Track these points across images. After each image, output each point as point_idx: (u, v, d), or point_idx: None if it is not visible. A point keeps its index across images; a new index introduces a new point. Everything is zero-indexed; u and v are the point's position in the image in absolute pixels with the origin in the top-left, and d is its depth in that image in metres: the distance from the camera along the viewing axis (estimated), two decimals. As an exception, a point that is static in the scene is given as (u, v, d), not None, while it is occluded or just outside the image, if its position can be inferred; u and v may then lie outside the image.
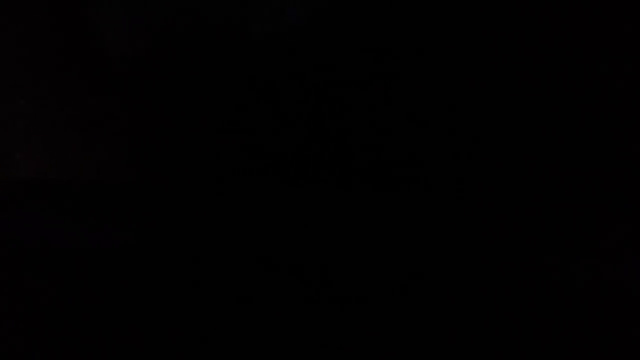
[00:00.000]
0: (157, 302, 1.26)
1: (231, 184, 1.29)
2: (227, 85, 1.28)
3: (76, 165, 1.31)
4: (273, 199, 1.28)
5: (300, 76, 1.26)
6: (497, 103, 1.24)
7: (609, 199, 1.23)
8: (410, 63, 1.25)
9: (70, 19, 1.30)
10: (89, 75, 1.30)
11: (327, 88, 1.26)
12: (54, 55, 1.31)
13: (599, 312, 1.20)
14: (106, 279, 1.27)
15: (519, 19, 1.23)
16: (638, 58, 1.21)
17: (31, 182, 1.32)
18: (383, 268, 1.25)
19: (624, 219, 1.22)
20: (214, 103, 1.29)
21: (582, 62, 1.23)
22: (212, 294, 1.26)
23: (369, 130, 1.26)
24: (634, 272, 1.20)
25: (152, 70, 1.29)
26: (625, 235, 1.21)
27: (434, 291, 1.23)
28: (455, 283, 1.23)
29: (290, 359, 1.22)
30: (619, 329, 1.20)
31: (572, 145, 1.24)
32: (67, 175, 1.31)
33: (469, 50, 1.24)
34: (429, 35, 1.24)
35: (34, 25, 1.30)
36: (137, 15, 1.28)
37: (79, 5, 1.28)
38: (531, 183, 1.24)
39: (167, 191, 1.29)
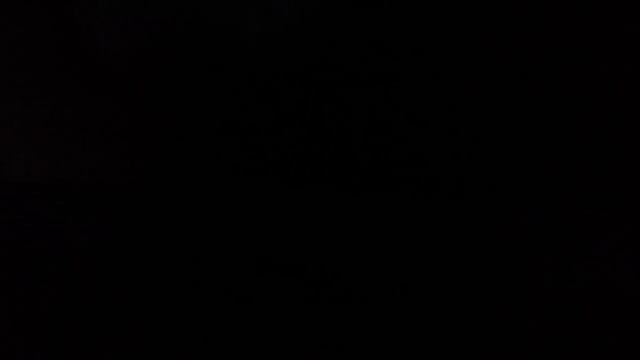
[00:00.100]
0: (156, 304, 1.26)
1: (229, 185, 1.29)
2: (224, 85, 1.28)
3: (70, 166, 1.31)
4: (271, 200, 1.28)
5: (297, 76, 1.26)
6: (495, 103, 1.24)
7: (609, 199, 1.23)
8: (410, 63, 1.24)
9: (65, 19, 1.29)
10: (84, 76, 1.30)
11: (325, 88, 1.26)
12: (48, 55, 1.31)
13: (599, 313, 1.20)
14: (104, 281, 1.27)
15: (518, 20, 1.23)
16: (638, 58, 1.21)
17: (25, 183, 1.31)
18: (383, 269, 1.24)
19: (624, 219, 1.22)
20: (210, 103, 1.29)
21: (582, 63, 1.22)
22: (211, 294, 1.25)
23: (367, 130, 1.26)
24: (634, 272, 1.20)
25: (148, 70, 1.29)
26: (625, 235, 1.21)
27: (433, 291, 1.23)
28: (455, 283, 1.23)
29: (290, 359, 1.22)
30: (618, 329, 1.19)
31: (572, 146, 1.24)
32: (62, 177, 1.31)
33: (468, 50, 1.24)
34: (428, 35, 1.24)
35: (28, 25, 1.30)
36: (133, 15, 1.28)
37: (74, 5, 1.28)
38: (530, 183, 1.24)
39: (164, 192, 1.29)
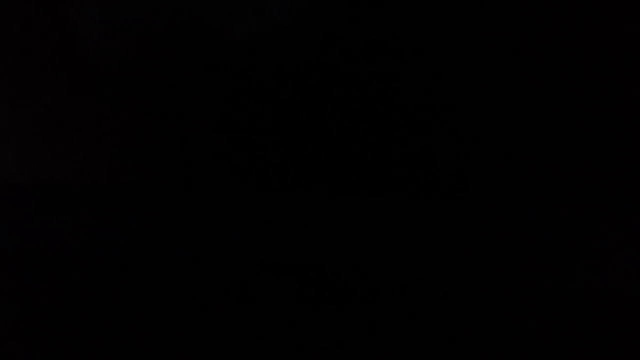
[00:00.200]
0: (153, 306, 1.25)
1: (222, 186, 1.28)
2: (216, 86, 1.28)
3: (61, 167, 1.31)
4: (268, 201, 1.27)
5: (291, 77, 1.26)
6: (494, 103, 1.24)
7: (609, 199, 1.23)
8: (410, 63, 1.24)
9: (55, 19, 1.29)
10: (75, 76, 1.30)
11: (321, 89, 1.26)
12: (40, 56, 1.30)
13: (599, 313, 1.20)
14: (100, 283, 1.26)
15: (517, 20, 1.23)
16: (638, 58, 1.21)
17: (16, 184, 1.31)
18: (383, 270, 1.24)
19: (624, 219, 1.22)
20: (204, 104, 1.28)
21: (582, 63, 1.23)
22: (210, 296, 1.25)
23: (365, 131, 1.26)
24: (634, 272, 1.20)
25: (139, 70, 1.28)
26: (625, 235, 1.21)
27: (433, 292, 1.23)
28: (455, 284, 1.23)
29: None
30: (618, 329, 1.20)
31: (572, 146, 1.24)
32: (54, 178, 1.31)
33: (466, 50, 1.24)
34: (426, 34, 1.24)
35: (18, 25, 1.29)
36: (123, 15, 1.27)
37: (64, 5, 1.28)
38: (530, 183, 1.24)
39: (158, 193, 1.29)
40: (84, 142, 1.30)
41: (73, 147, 1.30)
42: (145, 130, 1.29)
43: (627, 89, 1.22)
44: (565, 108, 1.23)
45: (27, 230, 1.28)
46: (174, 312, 1.25)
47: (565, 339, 1.20)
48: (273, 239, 1.26)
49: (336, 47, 1.25)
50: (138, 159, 1.29)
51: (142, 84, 1.29)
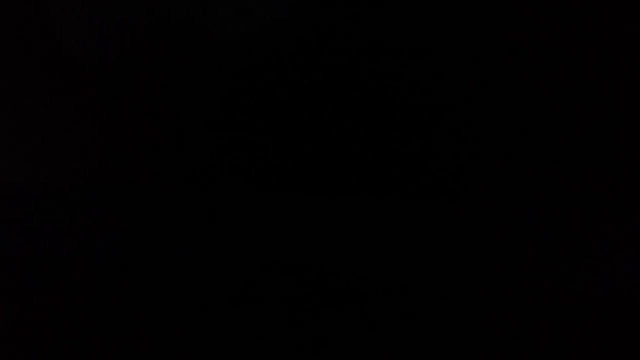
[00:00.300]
0: (153, 307, 1.25)
1: (216, 187, 1.28)
2: (207, 85, 1.28)
3: (52, 167, 1.31)
4: (264, 202, 1.27)
5: (286, 77, 1.26)
6: (493, 103, 1.24)
7: (609, 199, 1.23)
8: (406, 63, 1.24)
9: (43, 19, 1.29)
10: (69, 77, 1.30)
11: (316, 90, 1.26)
12: (24, 54, 1.30)
13: (599, 313, 1.20)
14: (102, 283, 1.26)
15: (517, 19, 1.23)
16: (638, 58, 1.21)
17: (7, 184, 1.31)
18: (383, 271, 1.24)
19: (624, 219, 1.22)
20: (195, 103, 1.28)
21: (582, 63, 1.23)
22: (209, 299, 1.25)
23: (363, 133, 1.26)
24: (634, 272, 1.20)
25: (135, 71, 1.28)
26: (625, 235, 1.21)
27: (433, 292, 1.23)
28: (455, 284, 1.23)
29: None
30: (618, 329, 1.20)
31: (572, 146, 1.24)
32: (44, 178, 1.30)
33: (465, 49, 1.24)
34: (424, 34, 1.24)
35: (6, 26, 1.29)
36: (112, 15, 1.27)
37: (52, 5, 1.27)
38: (530, 183, 1.24)
39: (152, 193, 1.29)
40: (82, 143, 1.30)
41: (70, 147, 1.30)
42: (140, 130, 1.29)
43: (627, 89, 1.22)
44: (565, 108, 1.24)
45: (23, 230, 1.28)
46: (174, 313, 1.25)
47: (565, 339, 1.20)
48: (272, 240, 1.26)
49: (336, 47, 1.25)
50: (133, 158, 1.29)
51: (138, 84, 1.28)
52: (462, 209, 1.24)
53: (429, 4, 1.23)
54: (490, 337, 1.21)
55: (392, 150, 1.25)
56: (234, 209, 1.27)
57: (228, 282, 1.25)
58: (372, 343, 1.22)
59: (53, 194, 1.30)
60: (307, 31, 1.25)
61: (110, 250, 1.27)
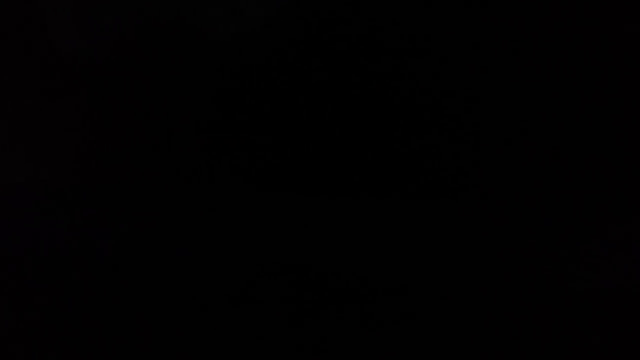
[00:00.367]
0: (153, 309, 1.25)
1: (208, 188, 1.28)
2: (197, 85, 1.28)
3: (43, 168, 1.31)
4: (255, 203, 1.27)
5: (267, 78, 1.26)
6: (493, 103, 1.24)
7: (609, 199, 1.23)
8: (405, 63, 1.25)
9: (32, 18, 1.29)
10: (62, 77, 1.30)
11: (294, 92, 1.26)
12: (15, 55, 1.30)
13: (599, 313, 1.20)
14: (100, 283, 1.26)
15: (516, 19, 1.23)
16: (638, 58, 1.22)
17: (13, 184, 1.31)
18: (384, 272, 1.24)
19: (624, 219, 1.22)
20: (186, 104, 1.28)
21: (582, 62, 1.23)
22: (208, 300, 1.25)
23: (361, 133, 1.26)
24: (634, 272, 1.20)
25: (127, 72, 1.28)
26: (625, 235, 1.21)
27: (433, 292, 1.23)
28: (454, 284, 1.23)
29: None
30: (618, 329, 1.20)
31: (572, 146, 1.24)
32: (46, 179, 1.31)
33: (464, 49, 1.24)
34: (421, 34, 1.24)
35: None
36: (101, 15, 1.27)
37: (41, 4, 1.28)
38: (530, 183, 1.24)
39: (152, 195, 1.29)
40: (81, 143, 1.30)
41: (69, 147, 1.30)
42: (137, 130, 1.29)
43: (627, 89, 1.22)
44: (565, 108, 1.24)
45: (23, 230, 1.28)
46: (174, 314, 1.25)
47: (565, 339, 1.20)
48: (272, 240, 1.26)
49: (336, 46, 1.25)
50: (128, 159, 1.29)
51: (136, 84, 1.29)
52: (463, 210, 1.24)
53: (429, 4, 1.24)
54: (492, 336, 1.21)
55: (391, 150, 1.26)
56: (233, 209, 1.27)
57: (227, 283, 1.25)
58: (373, 343, 1.22)
59: (52, 194, 1.30)
60: (308, 31, 1.26)
61: (109, 249, 1.27)
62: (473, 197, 1.24)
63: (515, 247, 1.23)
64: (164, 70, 1.28)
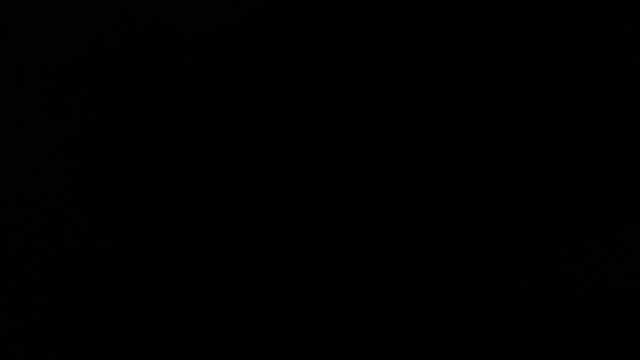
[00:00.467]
0: (150, 312, 1.25)
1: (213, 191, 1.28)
2: (174, 87, 1.28)
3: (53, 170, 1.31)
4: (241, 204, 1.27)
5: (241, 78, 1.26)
6: (492, 103, 1.24)
7: (609, 199, 1.23)
8: (405, 63, 1.24)
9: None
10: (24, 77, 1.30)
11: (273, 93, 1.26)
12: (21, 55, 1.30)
13: (599, 313, 1.20)
14: (97, 286, 1.26)
15: (515, 19, 1.23)
16: (638, 58, 1.22)
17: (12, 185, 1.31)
18: (384, 274, 1.24)
19: (624, 219, 1.22)
20: (192, 107, 1.28)
21: (582, 62, 1.23)
22: (207, 304, 1.25)
23: (360, 134, 1.26)
24: (634, 272, 1.21)
25: (125, 71, 1.28)
26: (625, 235, 1.22)
27: (433, 292, 1.23)
28: (454, 284, 1.23)
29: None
30: (618, 329, 1.20)
31: (572, 146, 1.24)
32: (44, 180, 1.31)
33: (463, 48, 1.24)
34: (419, 34, 1.24)
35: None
36: (72, 16, 1.27)
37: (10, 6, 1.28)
38: (530, 184, 1.24)
39: (150, 197, 1.29)
40: (76, 144, 1.30)
41: (64, 149, 1.30)
42: (134, 131, 1.29)
43: (627, 89, 1.22)
44: (565, 107, 1.24)
45: (23, 231, 1.28)
46: (174, 317, 1.25)
47: (565, 339, 1.20)
48: (272, 243, 1.26)
49: (336, 45, 1.25)
50: (129, 160, 1.29)
51: (133, 82, 1.28)
52: (462, 209, 1.24)
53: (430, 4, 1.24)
54: (491, 335, 1.21)
55: (391, 151, 1.26)
56: (233, 210, 1.27)
57: (227, 287, 1.25)
58: (373, 345, 1.22)
59: (52, 195, 1.30)
60: (305, 29, 1.25)
61: (107, 252, 1.27)
62: (473, 198, 1.24)
63: (516, 248, 1.23)
64: (159, 70, 1.28)
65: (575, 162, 1.24)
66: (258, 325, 1.24)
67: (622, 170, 1.23)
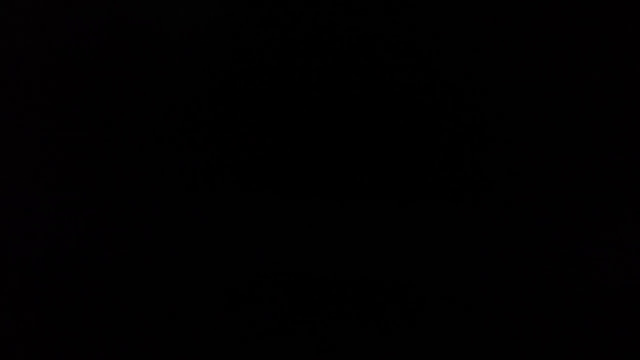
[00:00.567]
0: (149, 313, 1.25)
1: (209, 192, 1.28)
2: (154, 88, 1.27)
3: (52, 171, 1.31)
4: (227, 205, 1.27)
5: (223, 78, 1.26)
6: (492, 104, 1.24)
7: (609, 199, 1.23)
8: (405, 63, 1.24)
9: None
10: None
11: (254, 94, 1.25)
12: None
13: (599, 312, 1.20)
14: (95, 287, 1.26)
15: (515, 19, 1.23)
16: (638, 58, 1.21)
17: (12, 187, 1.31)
18: (385, 277, 1.24)
19: (624, 219, 1.22)
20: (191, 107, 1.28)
21: (582, 63, 1.23)
22: (206, 306, 1.25)
23: (359, 135, 1.26)
24: (634, 272, 1.20)
25: (125, 70, 1.28)
26: (625, 235, 1.21)
27: (433, 292, 1.23)
28: (454, 284, 1.23)
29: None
30: (618, 329, 1.20)
31: (572, 146, 1.24)
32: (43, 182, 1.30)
33: (463, 48, 1.23)
34: (418, 34, 1.24)
35: None
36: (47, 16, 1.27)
37: None
38: (530, 184, 1.24)
39: (148, 198, 1.28)
40: (73, 146, 1.30)
41: (60, 151, 1.30)
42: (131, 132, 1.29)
43: (627, 89, 1.22)
44: (565, 108, 1.23)
45: (23, 231, 1.28)
46: (173, 316, 1.25)
47: (565, 339, 1.20)
48: (272, 245, 1.26)
49: (340, 45, 1.25)
50: (127, 162, 1.29)
51: (135, 81, 1.28)
52: (464, 210, 1.24)
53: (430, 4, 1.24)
54: (491, 335, 1.21)
55: (391, 153, 1.25)
56: (232, 212, 1.27)
57: (226, 288, 1.25)
58: (374, 347, 1.22)
59: (51, 195, 1.30)
60: (309, 30, 1.25)
61: (105, 253, 1.27)
62: (473, 198, 1.24)
63: (516, 248, 1.23)
64: (160, 71, 1.28)
65: (575, 163, 1.23)
66: (258, 326, 1.24)
67: (622, 170, 1.23)
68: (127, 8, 1.27)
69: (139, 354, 1.24)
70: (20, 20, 1.28)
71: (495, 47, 1.23)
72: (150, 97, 1.28)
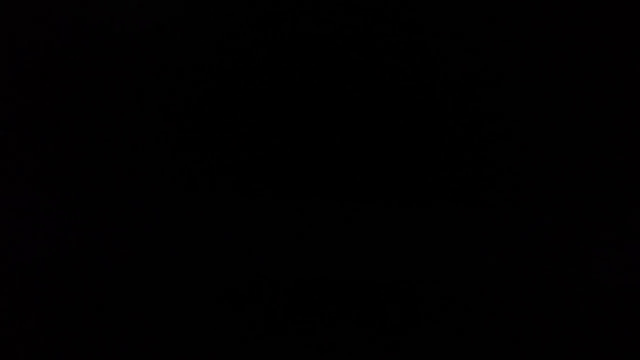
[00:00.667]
0: (149, 313, 1.25)
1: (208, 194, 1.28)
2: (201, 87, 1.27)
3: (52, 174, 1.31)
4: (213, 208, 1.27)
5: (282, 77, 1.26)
6: (493, 105, 1.24)
7: (609, 199, 1.23)
8: (406, 63, 1.24)
9: None
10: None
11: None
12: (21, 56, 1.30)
13: (599, 312, 1.20)
14: (94, 288, 1.26)
15: (515, 20, 1.23)
16: (638, 58, 1.21)
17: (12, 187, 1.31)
18: (385, 276, 1.24)
19: (624, 219, 1.22)
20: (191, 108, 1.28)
21: (582, 63, 1.23)
22: (205, 308, 1.25)
23: (359, 136, 1.26)
24: (634, 272, 1.20)
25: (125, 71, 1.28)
26: (625, 235, 1.21)
27: (433, 292, 1.23)
28: (455, 284, 1.23)
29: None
30: (618, 329, 1.20)
31: (572, 146, 1.24)
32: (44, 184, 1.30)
33: (463, 48, 1.24)
34: (418, 34, 1.24)
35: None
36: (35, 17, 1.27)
37: None
38: (530, 184, 1.24)
39: (148, 200, 1.29)
40: (73, 148, 1.30)
41: (59, 153, 1.30)
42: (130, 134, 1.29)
43: (627, 90, 1.22)
44: (565, 108, 1.24)
45: (23, 233, 1.28)
46: (173, 317, 1.25)
47: (565, 339, 1.20)
48: (272, 246, 1.26)
49: (343, 47, 1.25)
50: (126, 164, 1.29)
51: (130, 83, 1.28)
52: (462, 211, 1.24)
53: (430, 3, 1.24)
54: (491, 336, 1.21)
55: (392, 155, 1.26)
56: (232, 212, 1.27)
57: (226, 289, 1.25)
58: (374, 347, 1.22)
59: (50, 196, 1.30)
60: (310, 31, 1.25)
61: (105, 255, 1.27)
62: (474, 199, 1.24)
63: (516, 249, 1.23)
64: (160, 71, 1.28)
65: (575, 164, 1.24)
66: (258, 326, 1.24)
67: (622, 171, 1.23)
68: (127, 8, 1.27)
69: (139, 354, 1.24)
70: (20, 20, 1.29)
71: (499, 50, 1.23)
72: (150, 99, 1.28)
